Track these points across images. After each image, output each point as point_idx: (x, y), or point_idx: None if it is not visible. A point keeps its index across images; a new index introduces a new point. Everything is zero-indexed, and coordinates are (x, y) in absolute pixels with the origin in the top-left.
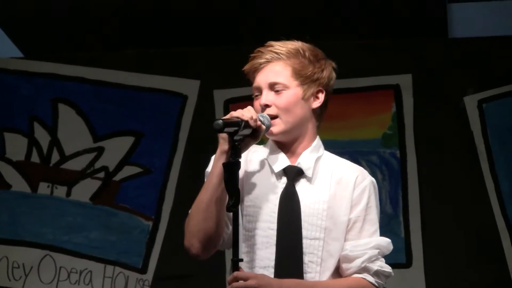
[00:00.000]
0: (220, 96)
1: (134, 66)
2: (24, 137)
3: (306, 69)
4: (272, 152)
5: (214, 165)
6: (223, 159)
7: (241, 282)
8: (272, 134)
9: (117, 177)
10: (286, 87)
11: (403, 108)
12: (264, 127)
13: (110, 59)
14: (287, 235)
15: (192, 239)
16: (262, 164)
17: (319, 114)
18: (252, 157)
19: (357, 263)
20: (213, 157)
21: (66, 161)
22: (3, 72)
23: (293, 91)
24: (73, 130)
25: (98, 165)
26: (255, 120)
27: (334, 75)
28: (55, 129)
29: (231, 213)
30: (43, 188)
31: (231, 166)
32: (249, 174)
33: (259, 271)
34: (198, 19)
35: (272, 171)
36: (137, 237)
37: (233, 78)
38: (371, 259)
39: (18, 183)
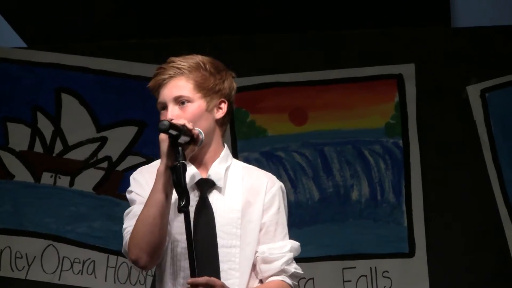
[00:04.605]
0: None
1: (137, 56)
2: (27, 127)
3: (208, 81)
4: None
5: (157, 181)
6: (167, 175)
7: None
8: None
9: (120, 167)
10: (189, 100)
11: (406, 98)
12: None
13: (113, 49)
14: (204, 245)
15: (140, 253)
16: None
17: (222, 123)
18: None
19: (276, 265)
20: (132, 178)
21: (69, 151)
22: (6, 62)
23: (197, 103)
24: (76, 120)
25: (101, 155)
26: (192, 126)
27: (234, 85)
28: (58, 119)
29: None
30: (46, 178)
31: (179, 168)
32: None
33: (180, 281)
34: (202, 7)
35: None
36: None
37: (238, 67)
38: (288, 262)
39: (21, 173)
